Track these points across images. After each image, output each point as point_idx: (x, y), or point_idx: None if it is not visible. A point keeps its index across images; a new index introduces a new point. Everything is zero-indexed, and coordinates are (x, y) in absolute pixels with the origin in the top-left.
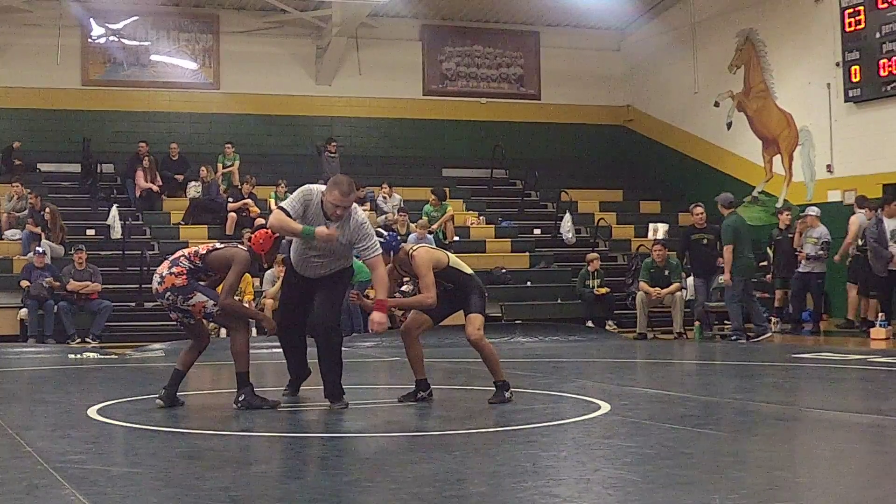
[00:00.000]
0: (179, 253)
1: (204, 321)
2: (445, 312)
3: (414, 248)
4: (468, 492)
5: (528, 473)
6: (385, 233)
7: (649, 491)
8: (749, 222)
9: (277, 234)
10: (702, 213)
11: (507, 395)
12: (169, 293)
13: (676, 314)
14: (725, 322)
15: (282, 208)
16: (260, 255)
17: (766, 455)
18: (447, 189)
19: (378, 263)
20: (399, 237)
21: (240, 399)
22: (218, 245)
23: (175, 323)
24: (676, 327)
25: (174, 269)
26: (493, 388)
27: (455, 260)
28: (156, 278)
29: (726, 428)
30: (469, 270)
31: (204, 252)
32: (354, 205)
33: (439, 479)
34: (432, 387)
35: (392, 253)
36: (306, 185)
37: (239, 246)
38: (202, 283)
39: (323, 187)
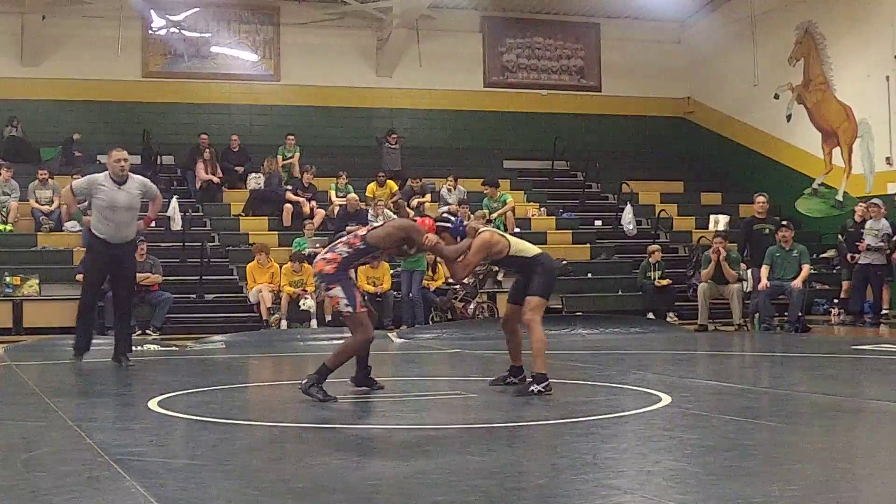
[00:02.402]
0: (341, 238)
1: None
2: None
3: (482, 229)
4: (528, 484)
5: (589, 466)
6: (452, 217)
7: (709, 483)
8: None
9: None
10: (763, 203)
11: (533, 389)
12: (317, 277)
13: (735, 306)
14: (784, 314)
15: (72, 186)
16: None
17: (825, 447)
18: (508, 181)
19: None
20: (464, 222)
21: (304, 382)
22: (375, 224)
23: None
24: (736, 319)
25: (328, 255)
26: (547, 381)
27: (518, 247)
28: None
29: (786, 419)
30: (533, 252)
31: (364, 232)
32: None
33: (499, 471)
34: (489, 378)
35: (459, 237)
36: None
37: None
38: (368, 262)
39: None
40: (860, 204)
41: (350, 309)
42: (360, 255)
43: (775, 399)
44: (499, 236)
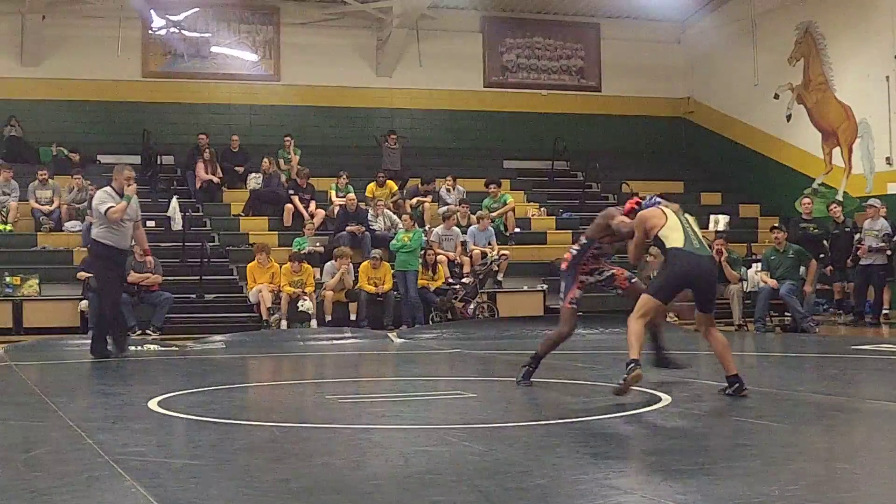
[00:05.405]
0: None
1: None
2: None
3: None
4: (529, 484)
5: (589, 465)
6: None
7: (709, 482)
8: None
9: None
10: (808, 204)
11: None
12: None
13: (736, 306)
14: (786, 314)
15: (109, 207)
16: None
17: (825, 446)
18: (508, 181)
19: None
20: (656, 200)
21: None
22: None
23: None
24: (736, 319)
25: (566, 255)
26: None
27: (666, 232)
28: None
29: (786, 419)
30: (675, 243)
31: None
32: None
33: (500, 471)
34: (493, 379)
35: None
36: (99, 191)
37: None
38: (601, 253)
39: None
40: (832, 207)
41: (561, 302)
42: (585, 250)
43: (775, 399)
44: (656, 212)
